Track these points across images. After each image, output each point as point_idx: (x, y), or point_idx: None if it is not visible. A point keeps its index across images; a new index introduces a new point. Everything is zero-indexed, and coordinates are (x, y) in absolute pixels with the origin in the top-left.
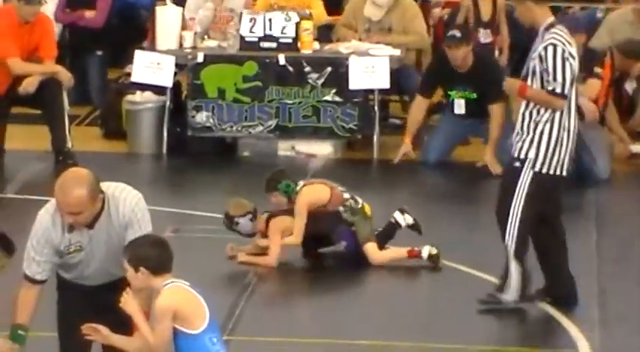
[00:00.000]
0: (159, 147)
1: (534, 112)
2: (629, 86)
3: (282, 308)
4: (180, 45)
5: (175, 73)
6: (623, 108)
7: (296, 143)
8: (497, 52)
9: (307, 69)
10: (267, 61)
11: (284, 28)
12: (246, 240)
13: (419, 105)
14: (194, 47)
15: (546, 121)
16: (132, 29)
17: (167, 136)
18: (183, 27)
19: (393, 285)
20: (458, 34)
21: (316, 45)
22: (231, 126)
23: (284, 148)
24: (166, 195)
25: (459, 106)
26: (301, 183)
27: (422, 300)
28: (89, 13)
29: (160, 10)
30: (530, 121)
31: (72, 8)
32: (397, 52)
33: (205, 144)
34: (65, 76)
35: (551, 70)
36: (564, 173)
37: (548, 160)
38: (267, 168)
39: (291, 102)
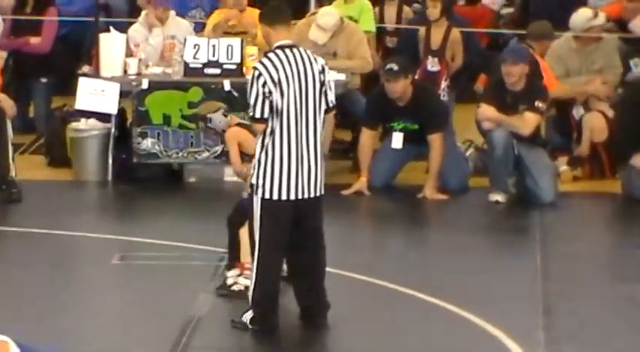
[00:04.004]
0: (104, 174)
1: (258, 139)
2: (577, 112)
3: (230, 335)
4: (125, 72)
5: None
6: (570, 135)
7: None
8: (443, 81)
9: None
10: (213, 86)
11: (229, 53)
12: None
13: (367, 140)
14: (139, 74)
15: (261, 148)
16: (78, 56)
17: (112, 163)
18: (128, 54)
19: (345, 308)
20: (395, 67)
21: None
22: (177, 153)
23: (230, 174)
24: (112, 223)
25: (397, 141)
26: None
27: (364, 323)
28: (34, 40)
29: (103, 37)
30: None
31: (16, 34)
32: (342, 77)
33: (151, 170)
34: (7, 104)
35: (248, 93)
36: (292, 197)
37: (268, 186)
38: (213, 195)
39: None
